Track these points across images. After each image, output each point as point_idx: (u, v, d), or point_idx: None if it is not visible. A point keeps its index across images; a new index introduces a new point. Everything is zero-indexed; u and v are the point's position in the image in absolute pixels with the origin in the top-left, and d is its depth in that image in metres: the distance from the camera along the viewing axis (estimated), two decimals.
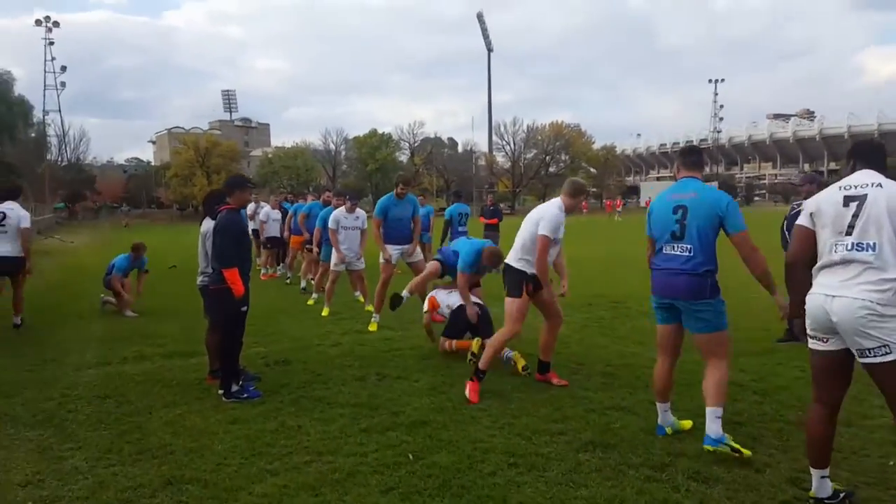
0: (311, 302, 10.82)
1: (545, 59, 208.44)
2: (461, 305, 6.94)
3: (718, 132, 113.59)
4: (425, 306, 7.45)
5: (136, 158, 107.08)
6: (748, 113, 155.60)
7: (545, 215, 5.52)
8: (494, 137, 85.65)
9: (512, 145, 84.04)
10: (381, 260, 8.71)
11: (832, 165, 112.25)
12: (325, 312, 9.64)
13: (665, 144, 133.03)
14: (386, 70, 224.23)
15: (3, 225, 8.65)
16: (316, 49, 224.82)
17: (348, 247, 9.45)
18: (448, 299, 7.31)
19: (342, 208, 9.51)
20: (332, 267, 9.73)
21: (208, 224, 6.05)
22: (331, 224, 9.43)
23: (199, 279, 6.34)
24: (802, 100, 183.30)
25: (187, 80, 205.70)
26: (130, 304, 10.35)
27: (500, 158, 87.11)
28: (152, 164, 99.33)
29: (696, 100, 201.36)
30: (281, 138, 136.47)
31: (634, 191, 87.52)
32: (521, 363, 6.16)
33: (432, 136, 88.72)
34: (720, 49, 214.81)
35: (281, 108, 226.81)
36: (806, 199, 4.75)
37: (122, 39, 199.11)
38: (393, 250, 8.70)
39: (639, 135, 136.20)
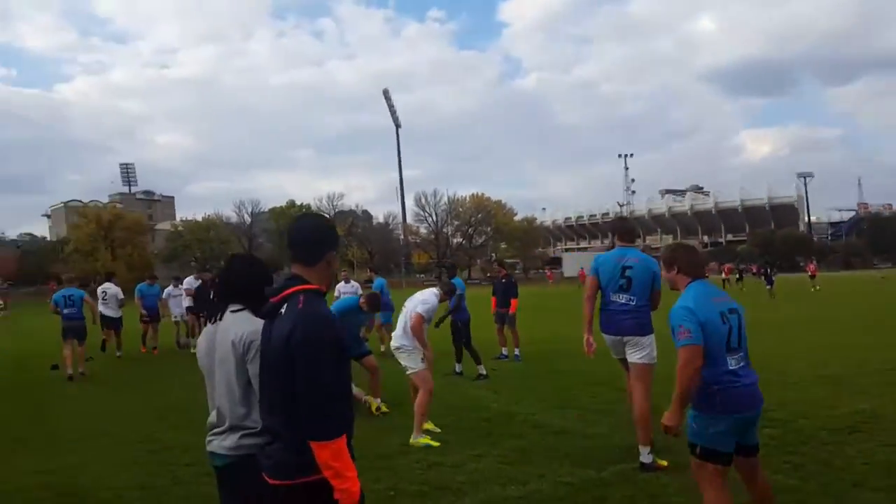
0: None
1: (446, 138, 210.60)
2: None
3: (624, 204, 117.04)
4: None
5: (30, 234, 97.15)
6: (642, 188, 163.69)
7: None
8: (415, 209, 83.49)
9: (434, 216, 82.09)
10: None
11: (729, 237, 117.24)
12: None
13: (570, 217, 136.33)
14: (292, 146, 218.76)
15: (106, 298, 13.86)
16: (219, 124, 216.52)
17: None
18: None
19: None
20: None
21: (244, 327, 2.70)
22: None
23: (228, 443, 2.72)
24: (690, 176, 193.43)
25: (82, 153, 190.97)
26: None
27: (422, 230, 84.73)
28: (48, 239, 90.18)
29: (592, 176, 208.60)
30: (185, 212, 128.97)
31: (556, 261, 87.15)
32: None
33: (353, 207, 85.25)
34: (611, 129, 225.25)
35: (183, 183, 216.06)
36: None
37: (9, 112, 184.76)
38: None
39: (544, 209, 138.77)
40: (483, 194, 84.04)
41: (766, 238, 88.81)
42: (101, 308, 13.67)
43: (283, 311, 2.30)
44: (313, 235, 2.46)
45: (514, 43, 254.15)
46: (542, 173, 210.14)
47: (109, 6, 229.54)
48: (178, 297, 15.52)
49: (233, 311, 2.76)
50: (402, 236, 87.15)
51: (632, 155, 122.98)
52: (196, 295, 14.52)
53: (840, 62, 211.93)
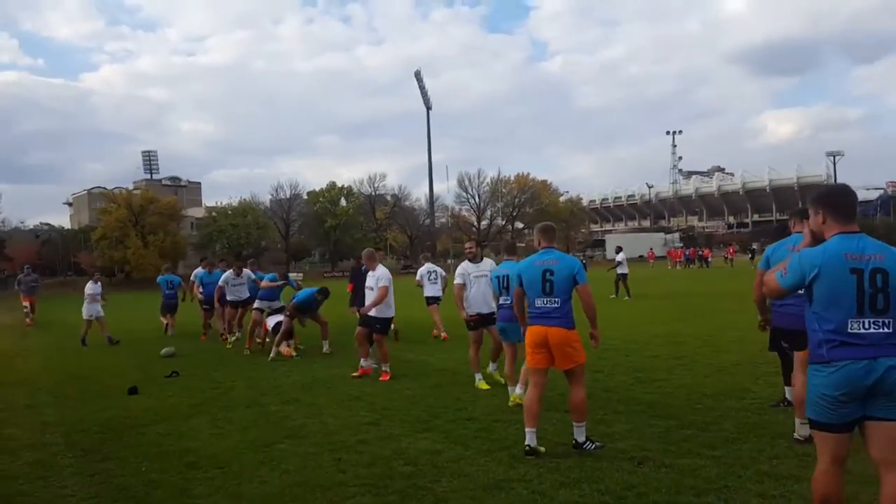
0: None
1: (470, 122, 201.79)
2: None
3: (673, 183, 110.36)
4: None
5: (48, 224, 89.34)
6: (664, 170, 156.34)
7: None
8: (458, 190, 76.12)
9: (477, 198, 74.68)
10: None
11: (755, 217, 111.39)
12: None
13: (594, 200, 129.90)
14: (315, 132, 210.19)
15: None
16: (244, 112, 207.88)
17: None
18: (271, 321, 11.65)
19: None
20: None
21: None
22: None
23: None
24: (711, 157, 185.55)
25: (104, 143, 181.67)
26: None
27: (464, 212, 77.46)
28: (68, 227, 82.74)
29: (615, 158, 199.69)
30: (207, 200, 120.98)
31: (598, 244, 79.92)
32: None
33: (395, 190, 77.62)
34: (634, 111, 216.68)
35: (205, 170, 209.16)
36: None
37: (35, 102, 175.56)
38: None
39: (566, 192, 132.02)
40: (528, 174, 76.92)
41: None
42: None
43: None
44: None
45: (542, 25, 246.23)
46: (564, 156, 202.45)
47: None
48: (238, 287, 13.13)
49: None
50: (434, 219, 79.80)
51: (681, 132, 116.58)
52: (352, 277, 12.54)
53: (870, 40, 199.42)
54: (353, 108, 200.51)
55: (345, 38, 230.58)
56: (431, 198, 78.88)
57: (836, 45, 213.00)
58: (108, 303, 15.10)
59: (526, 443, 4.97)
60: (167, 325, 15.45)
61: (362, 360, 8.76)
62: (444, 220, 78.57)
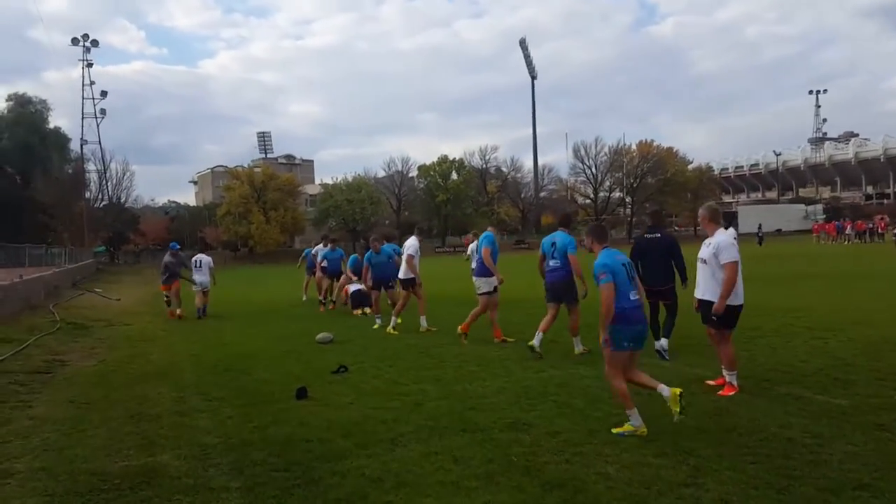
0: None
1: (573, 92, 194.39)
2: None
3: (815, 146, 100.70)
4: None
5: (175, 201, 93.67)
6: (788, 137, 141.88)
7: None
8: (574, 160, 72.16)
9: (594, 169, 70.44)
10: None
11: None
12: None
13: (713, 170, 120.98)
14: (414, 110, 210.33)
15: (200, 266, 14.81)
16: (349, 92, 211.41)
17: None
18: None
19: None
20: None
21: None
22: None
23: None
24: (837, 123, 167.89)
25: (222, 125, 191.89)
26: None
27: (579, 184, 73.55)
28: (194, 205, 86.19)
29: (731, 126, 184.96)
30: (319, 177, 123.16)
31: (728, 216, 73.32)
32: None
33: (506, 163, 74.84)
34: (752, 75, 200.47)
35: (313, 150, 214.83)
36: None
37: (161, 88, 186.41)
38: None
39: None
40: (652, 141, 71.66)
41: None
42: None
43: None
44: None
45: None
46: (673, 125, 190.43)
47: None
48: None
49: None
50: (540, 192, 76.53)
51: (825, 91, 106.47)
52: None
53: None
54: (453, 84, 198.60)
55: (446, 14, 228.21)
56: (536, 170, 75.81)
57: None
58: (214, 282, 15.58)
59: None
60: (307, 284, 17.22)
61: (725, 371, 6.15)
62: (559, 192, 74.99)
